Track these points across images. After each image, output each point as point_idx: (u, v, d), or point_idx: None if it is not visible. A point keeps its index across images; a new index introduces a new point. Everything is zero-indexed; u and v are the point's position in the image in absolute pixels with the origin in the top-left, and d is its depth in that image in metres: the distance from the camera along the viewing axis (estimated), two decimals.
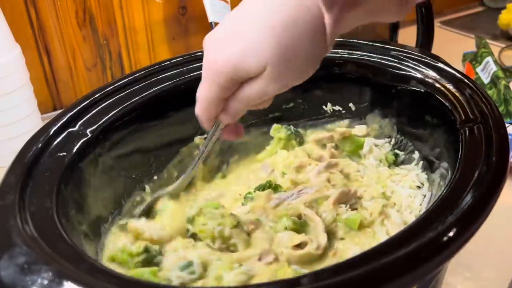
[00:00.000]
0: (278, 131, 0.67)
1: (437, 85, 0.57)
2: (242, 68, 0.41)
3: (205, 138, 0.58)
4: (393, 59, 0.62)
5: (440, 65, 0.59)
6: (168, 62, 0.65)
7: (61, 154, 0.50)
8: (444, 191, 0.42)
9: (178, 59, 0.65)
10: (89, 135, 0.53)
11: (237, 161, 0.69)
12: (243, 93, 0.43)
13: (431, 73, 0.58)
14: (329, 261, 0.49)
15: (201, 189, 0.64)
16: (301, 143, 0.68)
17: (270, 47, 0.39)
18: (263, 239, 0.51)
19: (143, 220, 0.55)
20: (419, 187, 0.57)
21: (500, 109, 0.88)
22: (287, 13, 0.39)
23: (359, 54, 0.65)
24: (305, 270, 0.47)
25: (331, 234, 0.52)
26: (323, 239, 0.50)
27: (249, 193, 0.57)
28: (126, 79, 0.61)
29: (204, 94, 0.45)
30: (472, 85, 0.55)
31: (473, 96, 0.53)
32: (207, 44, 0.43)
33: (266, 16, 0.39)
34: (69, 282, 0.35)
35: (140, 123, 0.60)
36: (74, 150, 0.51)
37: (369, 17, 0.41)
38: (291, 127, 0.68)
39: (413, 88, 0.59)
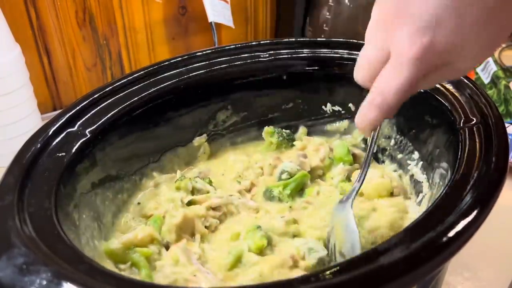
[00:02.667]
0: (270, 135, 0.67)
1: (437, 85, 0.56)
2: (458, 55, 0.37)
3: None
4: None
5: None
6: (168, 62, 0.64)
7: (60, 155, 0.50)
8: (444, 191, 0.42)
9: (178, 59, 0.65)
10: (88, 135, 0.53)
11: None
12: (442, 76, 0.41)
13: None
14: None
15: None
16: (293, 146, 0.68)
17: (480, 44, 0.37)
18: None
19: None
20: None
21: (500, 109, 0.88)
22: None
23: (359, 54, 0.65)
24: None
25: None
26: None
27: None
28: (126, 79, 0.61)
29: (403, 81, 0.37)
30: (472, 85, 0.55)
31: (473, 96, 0.53)
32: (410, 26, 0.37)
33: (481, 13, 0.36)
34: (68, 283, 0.35)
35: (140, 124, 0.60)
36: (73, 151, 0.51)
37: None
38: (283, 132, 0.68)
39: None
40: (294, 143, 0.67)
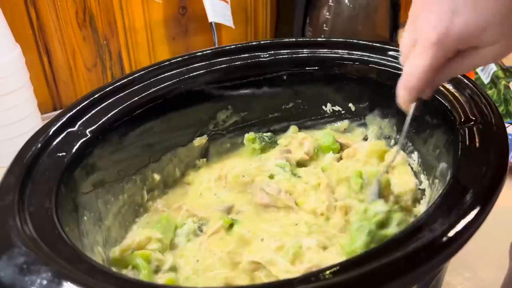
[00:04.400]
0: (252, 141, 0.67)
1: None
2: (477, 39, 0.40)
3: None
4: (392, 59, 0.62)
5: None
6: (168, 62, 0.64)
7: (60, 154, 0.50)
8: (444, 191, 0.42)
9: (178, 59, 0.65)
10: (89, 135, 0.53)
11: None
12: (469, 62, 0.43)
13: None
14: None
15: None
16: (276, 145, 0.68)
17: (504, 29, 0.39)
18: None
19: None
20: None
21: (500, 109, 0.88)
22: None
23: (359, 54, 0.65)
24: None
25: None
26: None
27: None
28: (126, 79, 0.61)
29: (424, 63, 0.42)
30: (472, 85, 0.55)
31: (473, 96, 0.53)
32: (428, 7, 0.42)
33: None
34: (68, 283, 0.35)
35: (140, 124, 0.60)
36: (74, 150, 0.51)
37: None
38: (265, 136, 0.67)
39: None
40: (279, 141, 0.68)
